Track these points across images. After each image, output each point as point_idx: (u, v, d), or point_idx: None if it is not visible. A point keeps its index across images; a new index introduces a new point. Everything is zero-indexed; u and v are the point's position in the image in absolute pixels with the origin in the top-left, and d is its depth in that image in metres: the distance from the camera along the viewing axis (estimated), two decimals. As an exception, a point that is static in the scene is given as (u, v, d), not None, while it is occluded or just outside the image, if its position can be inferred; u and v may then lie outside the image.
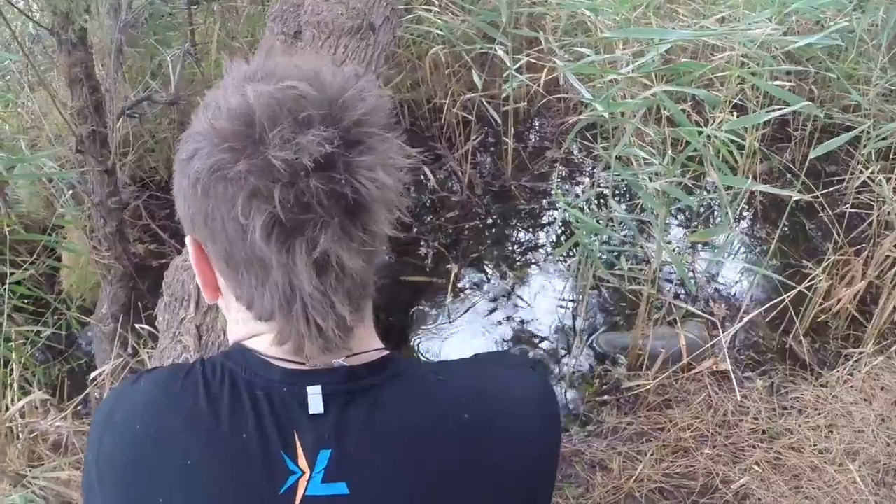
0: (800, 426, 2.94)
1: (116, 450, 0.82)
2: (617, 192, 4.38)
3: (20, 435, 2.86)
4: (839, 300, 3.40)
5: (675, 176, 2.88)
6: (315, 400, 0.77)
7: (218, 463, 0.77)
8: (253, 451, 0.76)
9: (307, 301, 0.71)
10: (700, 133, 2.76)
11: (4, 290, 2.96)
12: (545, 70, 4.05)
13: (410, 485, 0.77)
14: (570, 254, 3.97)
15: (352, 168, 0.68)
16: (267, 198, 0.67)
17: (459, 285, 3.91)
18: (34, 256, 3.43)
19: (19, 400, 2.86)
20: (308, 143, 0.66)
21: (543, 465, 0.87)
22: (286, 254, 0.69)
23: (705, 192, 3.99)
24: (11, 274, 3.09)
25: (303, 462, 0.76)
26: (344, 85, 0.72)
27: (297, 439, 0.76)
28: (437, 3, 4.43)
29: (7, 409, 2.85)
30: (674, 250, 3.86)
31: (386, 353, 0.85)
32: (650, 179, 3.00)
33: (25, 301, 3.38)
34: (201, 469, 0.77)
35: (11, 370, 2.96)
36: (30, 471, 2.66)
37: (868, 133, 3.45)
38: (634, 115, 3.08)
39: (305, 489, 0.75)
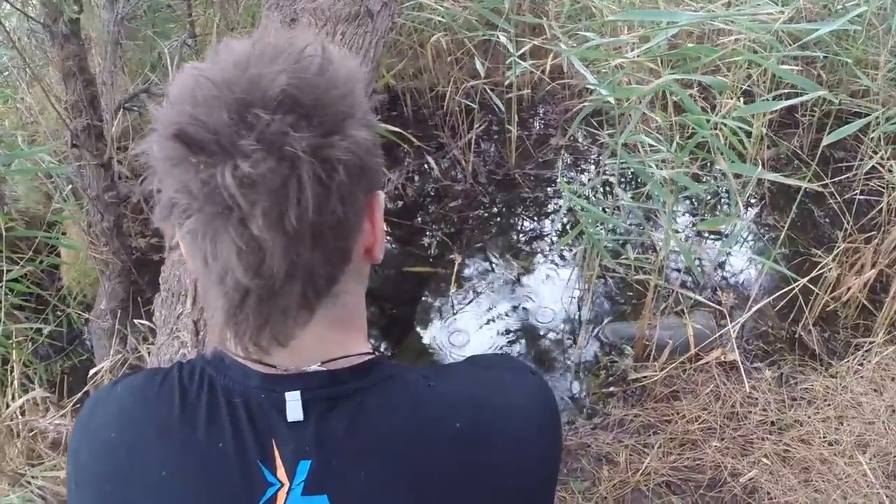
0: (809, 418, 2.90)
1: (92, 459, 0.79)
2: (623, 179, 4.34)
3: (20, 433, 2.84)
4: (849, 289, 3.35)
5: (682, 163, 2.83)
6: (294, 406, 0.73)
7: (193, 475, 0.74)
8: (230, 461, 0.73)
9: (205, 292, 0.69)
10: (708, 121, 2.70)
11: (2, 287, 2.94)
12: (550, 55, 4.00)
13: (397, 497, 0.73)
14: (576, 243, 3.93)
15: (230, 155, 0.63)
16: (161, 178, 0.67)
17: (463, 275, 3.87)
18: (35, 253, 3.40)
19: (20, 397, 2.84)
20: (164, 128, 0.65)
21: (543, 469, 0.82)
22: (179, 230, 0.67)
23: (713, 180, 3.94)
24: (9, 271, 3.07)
25: (281, 473, 0.72)
26: (264, 62, 0.67)
27: (275, 449, 0.73)
28: (437, -11, 4.38)
29: (7, 406, 2.83)
30: (681, 239, 3.81)
31: (372, 356, 0.80)
32: (657, 167, 2.95)
33: (27, 298, 3.35)
34: (176, 481, 0.74)
35: (12, 368, 2.94)
36: (29, 469, 2.64)
37: (877, 118, 3.39)
38: (641, 102, 3.02)
39: (285, 502, 0.72)
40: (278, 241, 0.64)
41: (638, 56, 2.89)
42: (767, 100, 3.54)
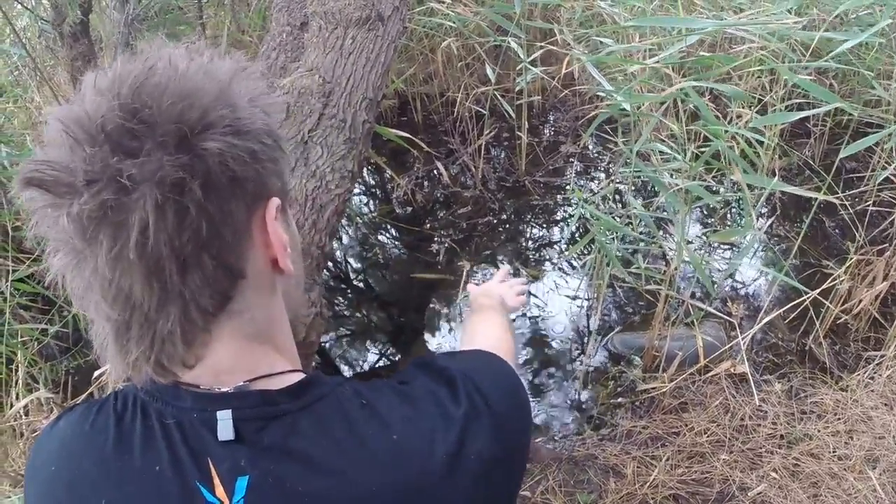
0: (819, 431, 2.87)
1: (37, 496, 0.79)
2: (633, 188, 4.31)
3: (23, 433, 2.83)
4: (860, 301, 3.31)
5: (697, 173, 2.80)
6: (225, 426, 0.72)
7: (131, 501, 0.73)
8: (168, 484, 0.72)
9: None
10: (726, 131, 2.68)
11: (8, 286, 2.93)
12: (565, 60, 3.98)
13: None
14: (586, 251, 3.90)
15: (70, 195, 0.63)
16: None
17: (472, 282, 3.84)
18: (42, 253, 3.39)
19: (24, 398, 2.83)
20: (20, 174, 0.66)
21: (481, 488, 0.79)
22: None
23: (722, 189, 3.91)
24: (16, 271, 3.06)
25: (220, 492, 0.72)
26: (102, 92, 0.66)
27: (212, 467, 0.72)
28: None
29: (11, 406, 2.82)
30: (693, 249, 3.78)
31: (303, 377, 0.79)
32: (670, 176, 2.93)
33: (33, 298, 3.34)
34: None
35: (17, 368, 2.93)
36: (31, 471, 2.62)
37: (891, 130, 3.36)
38: (656, 109, 3.00)
39: None
40: (133, 272, 0.65)
41: (656, 62, 2.87)
42: (780, 110, 3.52)
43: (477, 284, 1.73)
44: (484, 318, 1.41)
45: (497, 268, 3.96)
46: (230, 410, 0.73)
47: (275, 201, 0.74)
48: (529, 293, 3.72)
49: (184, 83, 0.66)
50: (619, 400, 3.17)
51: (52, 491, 0.77)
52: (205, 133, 0.65)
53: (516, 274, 3.89)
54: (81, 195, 0.62)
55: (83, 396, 2.92)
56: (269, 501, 0.71)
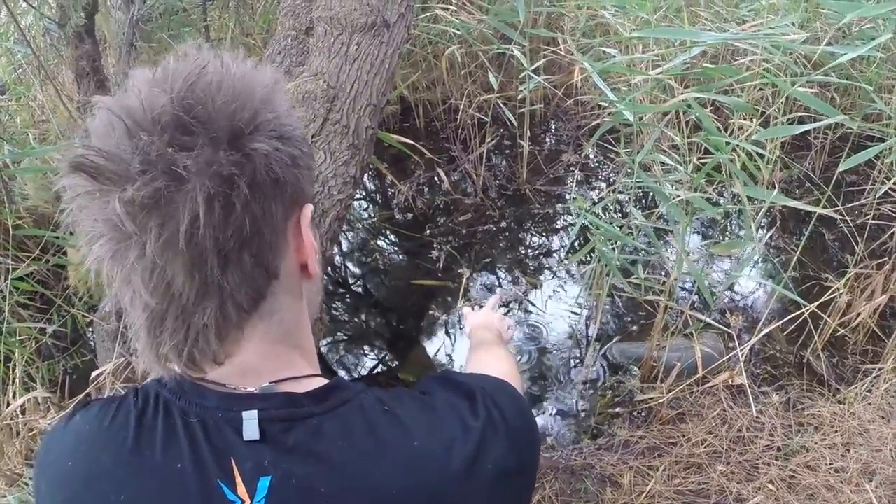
0: (816, 444, 2.87)
1: (51, 492, 0.79)
2: (634, 198, 4.32)
3: (20, 432, 2.82)
4: (858, 314, 3.32)
5: (699, 185, 2.81)
6: (250, 425, 0.73)
7: (152, 496, 0.73)
8: (189, 481, 0.73)
9: None
10: (728, 143, 2.68)
11: (6, 285, 2.93)
12: (573, 70, 3.99)
13: None
14: (585, 260, 3.91)
15: (123, 180, 0.64)
16: None
17: (471, 289, 3.85)
18: (42, 252, 3.39)
19: (21, 396, 2.82)
20: (68, 161, 0.67)
21: (495, 498, 0.80)
22: None
23: (723, 201, 3.92)
24: (15, 269, 3.06)
25: (242, 490, 0.72)
26: (158, 85, 0.68)
27: (234, 466, 0.73)
28: (453, 1, 4.39)
29: (8, 405, 2.82)
30: (692, 260, 3.78)
31: (328, 381, 0.80)
32: (672, 187, 2.93)
33: (31, 297, 3.34)
34: None
35: (14, 366, 2.92)
36: (27, 470, 2.62)
37: (890, 144, 3.37)
38: (659, 121, 3.00)
39: None
40: (178, 262, 0.66)
41: (660, 73, 2.87)
42: (782, 122, 3.53)
43: (471, 307, 1.75)
44: (489, 352, 1.44)
45: (496, 276, 3.96)
46: (256, 411, 0.74)
47: (309, 207, 0.77)
48: (526, 310, 3.73)
49: (235, 83, 0.68)
50: (617, 410, 3.17)
51: (68, 486, 0.77)
52: (254, 134, 0.68)
53: (516, 281, 3.90)
54: (134, 181, 0.63)
55: (80, 396, 2.91)
56: (290, 502, 0.72)
